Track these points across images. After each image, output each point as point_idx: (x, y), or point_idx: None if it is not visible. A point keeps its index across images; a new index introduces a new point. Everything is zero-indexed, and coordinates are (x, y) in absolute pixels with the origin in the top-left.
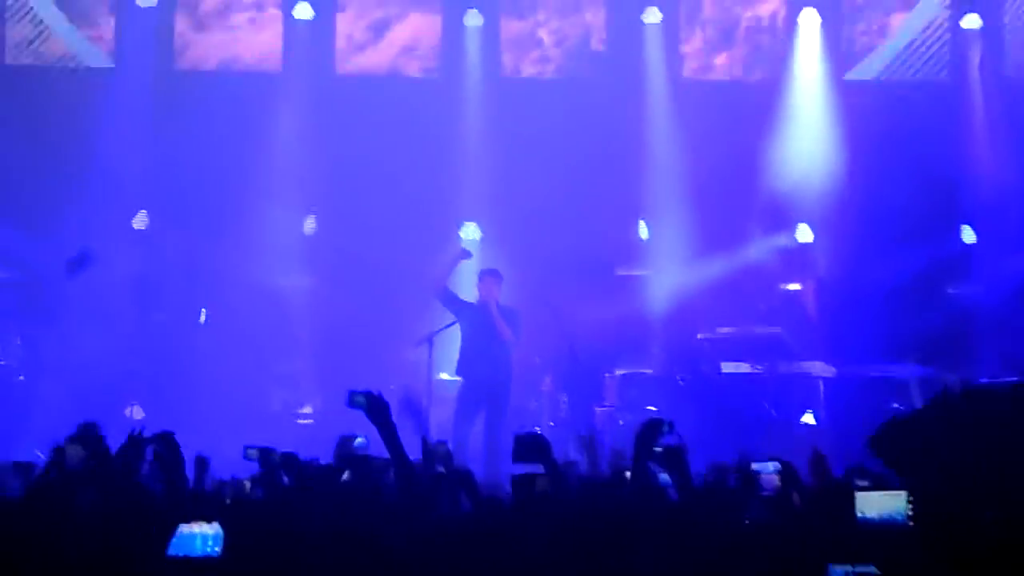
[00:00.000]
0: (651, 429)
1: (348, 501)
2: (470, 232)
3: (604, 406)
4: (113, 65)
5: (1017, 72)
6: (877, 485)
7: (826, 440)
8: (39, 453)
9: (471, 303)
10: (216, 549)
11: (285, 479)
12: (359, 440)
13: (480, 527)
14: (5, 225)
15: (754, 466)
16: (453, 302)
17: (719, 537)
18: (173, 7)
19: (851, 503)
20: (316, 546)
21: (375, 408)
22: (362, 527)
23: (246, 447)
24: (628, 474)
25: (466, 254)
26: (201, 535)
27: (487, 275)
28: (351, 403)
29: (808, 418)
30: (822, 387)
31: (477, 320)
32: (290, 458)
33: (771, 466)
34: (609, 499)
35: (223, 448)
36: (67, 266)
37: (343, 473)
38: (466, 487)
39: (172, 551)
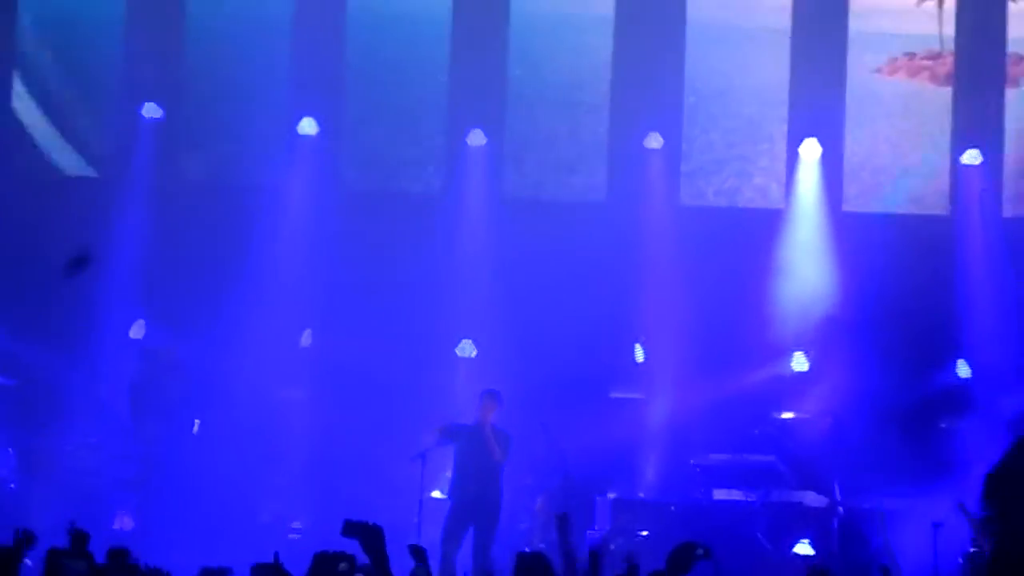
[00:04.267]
0: (686, 552)
1: None
2: (466, 350)
3: (595, 530)
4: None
5: (1015, 209)
6: None
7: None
8: None
9: (467, 425)
10: None
11: None
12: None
13: None
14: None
15: None
16: (450, 433)
17: None
18: None
19: None
20: None
21: (370, 538)
22: None
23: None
24: None
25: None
26: None
27: (486, 396)
28: (346, 532)
29: (804, 548)
30: (815, 517)
31: (471, 442)
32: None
33: None
34: None
35: (212, 559)
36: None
37: None
38: None
39: None
